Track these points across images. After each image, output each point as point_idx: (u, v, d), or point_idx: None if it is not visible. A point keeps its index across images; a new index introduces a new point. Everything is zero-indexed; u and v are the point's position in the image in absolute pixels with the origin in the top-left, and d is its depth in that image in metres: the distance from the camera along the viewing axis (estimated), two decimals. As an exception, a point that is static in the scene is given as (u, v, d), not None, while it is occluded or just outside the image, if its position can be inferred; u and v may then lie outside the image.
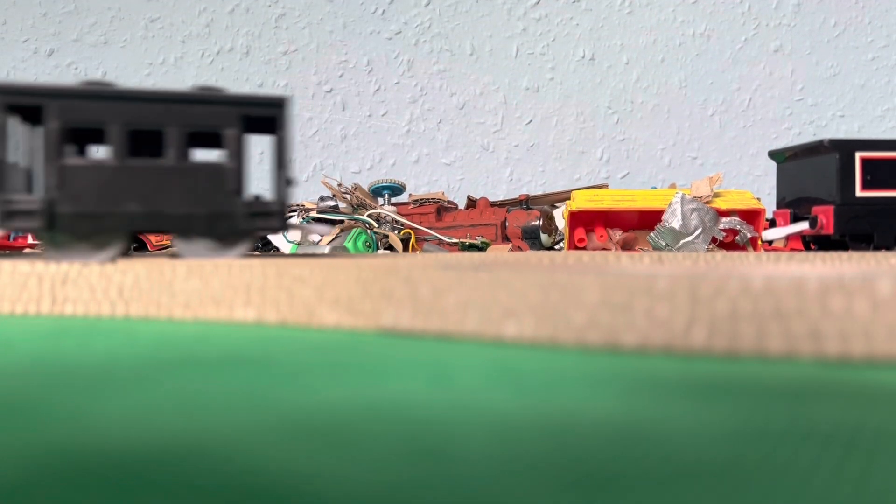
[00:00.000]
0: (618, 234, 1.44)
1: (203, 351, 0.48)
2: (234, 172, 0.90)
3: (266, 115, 0.93)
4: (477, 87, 2.10)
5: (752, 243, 1.38)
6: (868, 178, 1.21)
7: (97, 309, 0.66)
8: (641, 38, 2.15)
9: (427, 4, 2.05)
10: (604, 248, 1.42)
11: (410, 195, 1.70)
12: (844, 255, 1.05)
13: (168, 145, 0.88)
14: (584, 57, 2.14)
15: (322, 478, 0.23)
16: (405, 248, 1.43)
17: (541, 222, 1.58)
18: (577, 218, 1.42)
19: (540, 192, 1.92)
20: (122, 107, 0.87)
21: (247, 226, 0.89)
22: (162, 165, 0.88)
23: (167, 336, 0.54)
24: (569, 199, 1.48)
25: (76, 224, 0.84)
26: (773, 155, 1.37)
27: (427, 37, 2.05)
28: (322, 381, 0.38)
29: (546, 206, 1.72)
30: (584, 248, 1.43)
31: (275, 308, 0.60)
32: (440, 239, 1.47)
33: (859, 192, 1.20)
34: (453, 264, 0.66)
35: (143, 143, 0.90)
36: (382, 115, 1.96)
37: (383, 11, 2.02)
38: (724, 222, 1.36)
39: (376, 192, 1.60)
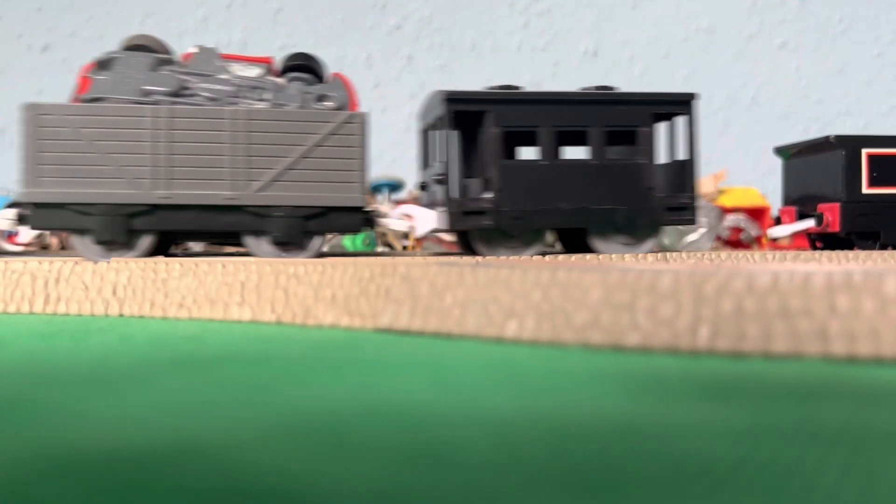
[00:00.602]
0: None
1: (198, 350, 0.47)
2: (649, 169, 0.95)
3: (673, 112, 1.00)
4: (478, 83, 2.09)
5: (758, 241, 1.37)
6: (874, 174, 1.20)
7: (91, 308, 0.65)
8: (645, 33, 2.14)
9: (428, -1, 2.04)
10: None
11: (410, 192, 1.69)
12: (850, 253, 1.04)
13: (591, 144, 0.95)
14: (586, 52, 2.13)
15: (319, 477, 0.22)
16: (404, 246, 1.42)
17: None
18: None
19: (542, 189, 1.91)
20: (550, 110, 0.94)
21: (664, 220, 0.96)
22: (586, 164, 0.94)
23: (162, 335, 0.53)
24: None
25: (515, 222, 0.92)
26: (779, 151, 1.36)
27: (427, 31, 2.04)
28: (319, 380, 0.37)
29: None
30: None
31: (271, 307, 0.59)
32: (440, 238, 1.46)
33: (865, 189, 1.20)
34: (453, 262, 0.65)
35: (561, 142, 0.97)
36: (382, 111, 1.95)
37: (383, 6, 2.01)
38: (729, 220, 1.35)
39: (375, 188, 1.59)
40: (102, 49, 0.95)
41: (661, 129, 1.02)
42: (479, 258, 0.90)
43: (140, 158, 0.84)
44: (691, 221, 0.98)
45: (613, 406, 0.32)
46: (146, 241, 0.86)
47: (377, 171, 2.06)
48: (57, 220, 0.84)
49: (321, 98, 0.90)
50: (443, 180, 0.93)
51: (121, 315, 0.64)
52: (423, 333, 0.52)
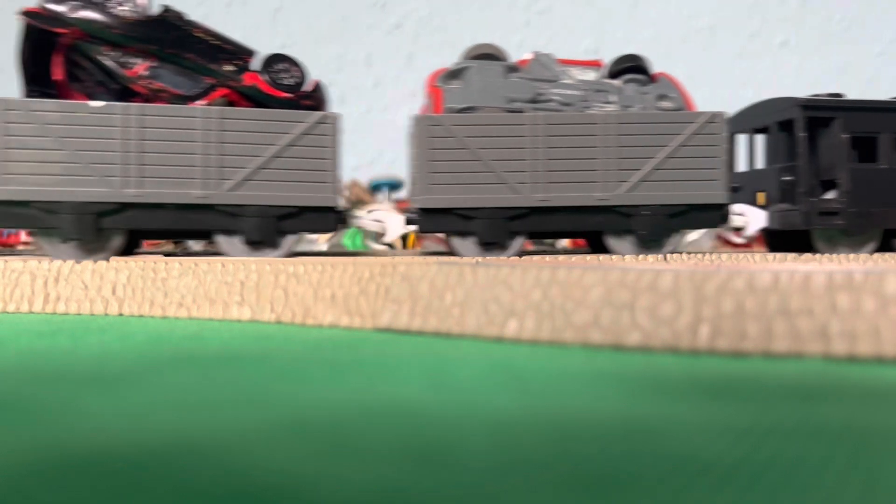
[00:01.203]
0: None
1: (197, 349, 0.47)
2: None
3: None
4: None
5: (759, 240, 1.37)
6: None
7: (90, 307, 0.65)
8: (645, 32, 2.14)
9: (429, -2, 2.04)
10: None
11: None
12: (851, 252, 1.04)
13: None
14: (587, 51, 2.13)
15: (319, 477, 0.22)
16: (404, 245, 1.42)
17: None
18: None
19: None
20: (892, 117, 1.02)
21: None
22: None
23: (161, 334, 0.53)
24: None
25: (861, 222, 1.00)
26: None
27: (427, 30, 2.04)
28: (319, 380, 0.37)
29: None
30: (586, 246, 1.42)
31: (270, 306, 0.59)
32: (438, 237, 1.46)
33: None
34: (453, 262, 0.65)
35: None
36: (382, 110, 1.95)
37: (383, 5, 2.01)
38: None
39: (375, 187, 1.59)
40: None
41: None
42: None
43: (520, 164, 0.89)
44: None
45: (613, 405, 0.32)
46: (519, 242, 0.91)
47: (377, 170, 2.06)
48: (443, 225, 0.90)
49: (660, 98, 0.94)
50: (791, 182, 1.01)
51: (120, 314, 0.64)
52: (423, 333, 0.52)
